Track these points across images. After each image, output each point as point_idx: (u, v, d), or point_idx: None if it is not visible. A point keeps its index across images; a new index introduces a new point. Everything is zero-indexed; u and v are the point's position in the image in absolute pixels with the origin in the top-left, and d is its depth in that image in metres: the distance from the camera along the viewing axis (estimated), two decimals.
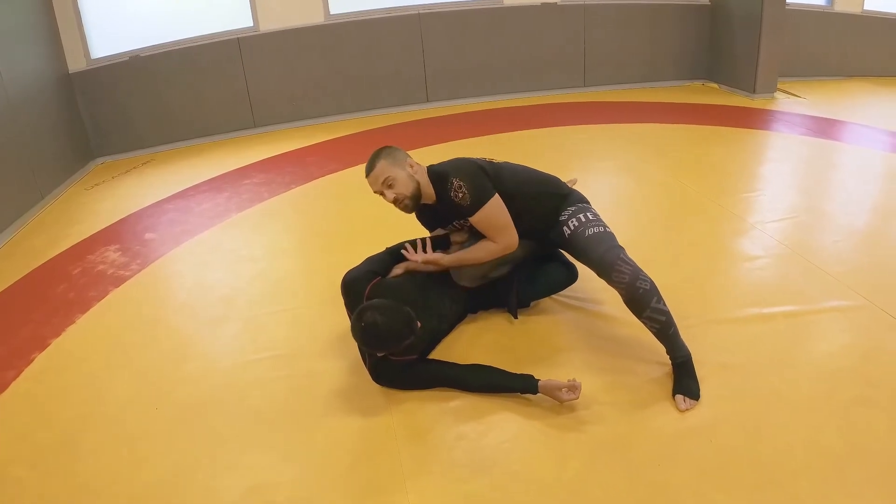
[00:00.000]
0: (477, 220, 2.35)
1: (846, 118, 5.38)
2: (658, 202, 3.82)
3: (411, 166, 2.39)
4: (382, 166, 2.36)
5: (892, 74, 7.01)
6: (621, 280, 2.18)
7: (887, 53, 6.99)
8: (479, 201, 2.31)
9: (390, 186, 2.35)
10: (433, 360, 2.36)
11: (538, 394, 2.15)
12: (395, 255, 2.55)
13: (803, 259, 2.99)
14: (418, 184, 2.38)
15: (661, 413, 2.10)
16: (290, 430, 2.18)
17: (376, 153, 2.40)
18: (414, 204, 2.40)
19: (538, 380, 2.15)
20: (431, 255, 2.47)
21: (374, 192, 2.41)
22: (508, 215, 2.37)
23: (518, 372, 2.22)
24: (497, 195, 2.35)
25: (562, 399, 2.11)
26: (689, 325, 2.38)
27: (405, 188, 2.36)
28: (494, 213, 2.35)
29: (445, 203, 2.38)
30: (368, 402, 2.26)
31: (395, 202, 2.38)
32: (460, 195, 2.31)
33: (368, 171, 2.39)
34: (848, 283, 2.75)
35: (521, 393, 2.19)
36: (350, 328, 2.17)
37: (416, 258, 2.46)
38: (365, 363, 2.33)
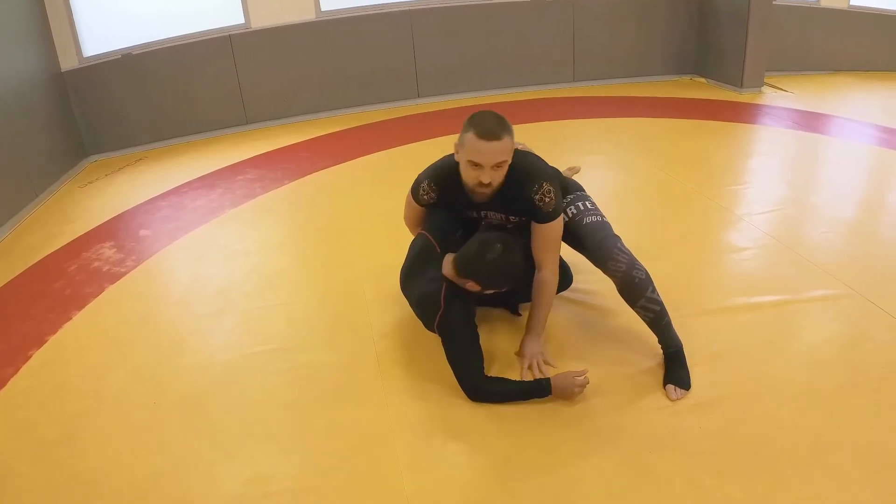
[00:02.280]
0: (544, 228, 2.25)
1: (832, 112, 5.45)
2: (647, 195, 3.87)
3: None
4: (508, 145, 2.09)
5: (878, 69, 7.08)
6: (618, 268, 2.21)
7: (873, 48, 7.05)
8: (557, 212, 2.24)
9: (499, 168, 2.11)
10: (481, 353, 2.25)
11: (551, 395, 2.13)
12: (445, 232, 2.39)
13: (790, 250, 3.05)
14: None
15: (652, 402, 2.15)
16: (289, 421, 2.21)
17: (502, 123, 2.09)
18: (493, 194, 2.22)
19: (549, 378, 2.14)
20: (538, 356, 2.32)
21: (474, 160, 2.09)
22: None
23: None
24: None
25: (574, 392, 2.11)
26: (679, 315, 2.42)
27: (501, 177, 2.16)
28: (560, 229, 2.29)
29: (513, 197, 2.23)
30: (365, 394, 2.29)
31: (484, 186, 2.14)
32: (546, 200, 2.19)
33: (492, 137, 2.05)
34: (834, 274, 2.81)
35: (536, 397, 2.16)
36: (465, 252, 2.12)
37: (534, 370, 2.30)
38: (431, 309, 2.22)
